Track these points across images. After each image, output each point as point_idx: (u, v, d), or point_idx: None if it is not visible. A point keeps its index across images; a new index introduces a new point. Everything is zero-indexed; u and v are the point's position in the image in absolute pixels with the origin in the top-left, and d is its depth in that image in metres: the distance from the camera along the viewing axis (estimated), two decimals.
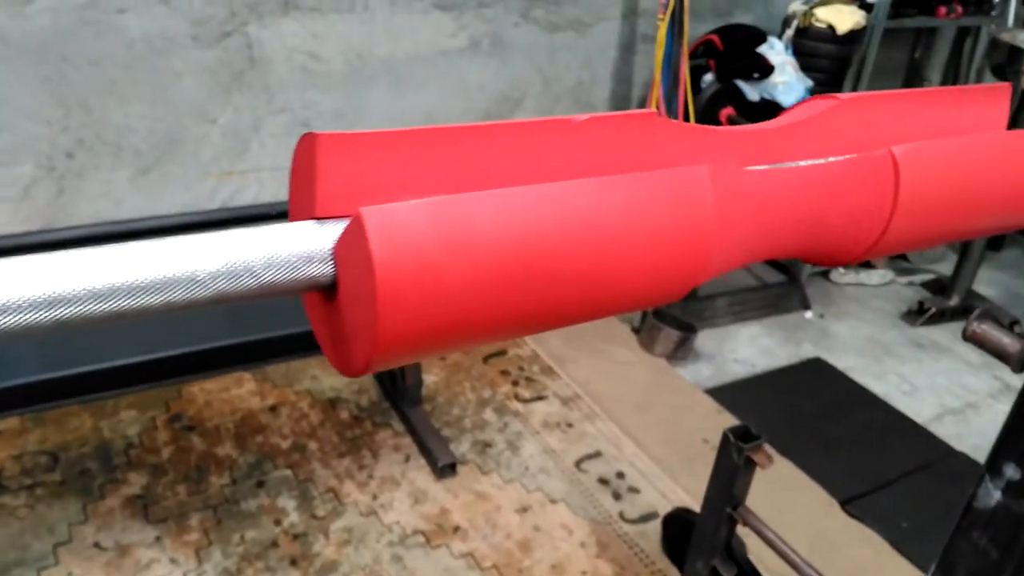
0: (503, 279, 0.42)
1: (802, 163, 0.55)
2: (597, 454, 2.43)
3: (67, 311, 0.38)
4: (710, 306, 3.29)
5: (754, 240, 0.54)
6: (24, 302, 0.37)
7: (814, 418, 2.74)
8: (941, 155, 0.56)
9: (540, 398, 2.65)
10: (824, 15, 2.94)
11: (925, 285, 3.65)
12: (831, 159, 0.55)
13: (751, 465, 1.58)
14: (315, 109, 2.56)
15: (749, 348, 3.14)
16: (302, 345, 2.25)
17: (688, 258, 0.49)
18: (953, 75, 3.99)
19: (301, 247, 0.42)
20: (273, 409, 2.46)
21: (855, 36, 2.98)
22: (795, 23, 3.01)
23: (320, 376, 2.63)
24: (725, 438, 1.60)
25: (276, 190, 2.62)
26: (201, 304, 0.40)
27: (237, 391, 2.52)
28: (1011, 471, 1.11)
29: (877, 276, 3.67)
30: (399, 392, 2.48)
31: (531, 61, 2.87)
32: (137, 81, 2.25)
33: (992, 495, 1.14)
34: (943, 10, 3.26)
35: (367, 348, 0.40)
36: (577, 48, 2.93)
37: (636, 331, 3.10)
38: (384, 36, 2.56)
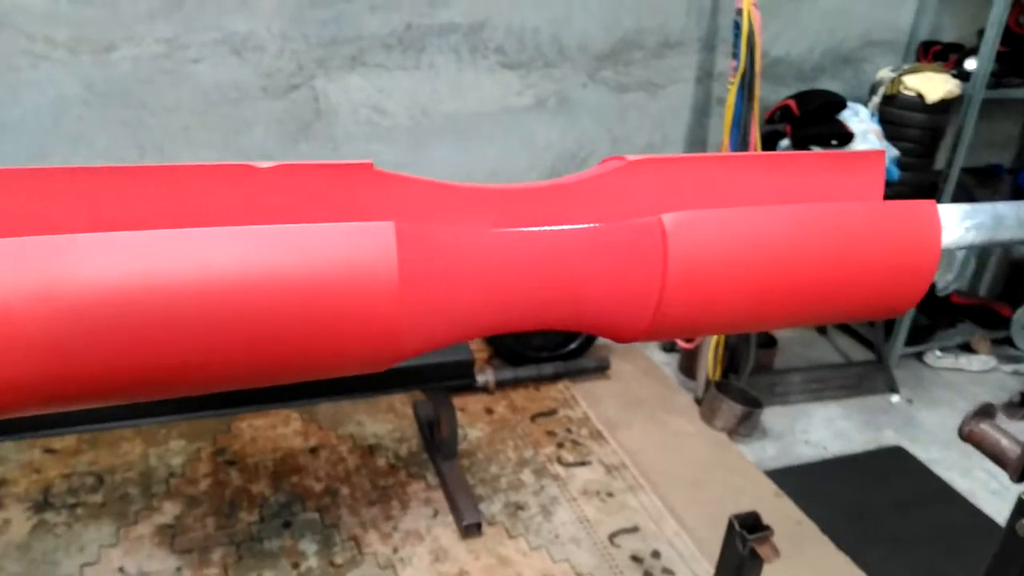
0: (103, 335, 0.39)
1: (557, 227, 0.49)
2: (634, 529, 2.31)
3: None
4: (783, 381, 3.12)
5: (487, 309, 0.49)
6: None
7: (884, 512, 2.52)
8: (726, 225, 0.49)
9: (583, 463, 2.56)
10: (913, 83, 2.79)
11: None
12: (591, 225, 0.49)
13: (756, 559, 1.46)
14: (378, 160, 2.62)
15: (823, 430, 2.94)
16: (349, 387, 2.26)
17: (362, 326, 0.43)
18: None
19: None
20: (313, 451, 2.49)
21: (948, 106, 2.81)
22: (882, 90, 2.87)
23: (365, 421, 2.64)
24: (730, 525, 1.48)
25: None
26: None
27: (283, 430, 2.57)
28: None
29: (978, 362, 3.38)
30: (437, 444, 2.45)
31: (599, 121, 2.86)
32: (209, 127, 2.39)
33: None
34: None
35: None
36: (648, 109, 2.90)
37: (698, 401, 2.96)
38: (449, 93, 2.61)
